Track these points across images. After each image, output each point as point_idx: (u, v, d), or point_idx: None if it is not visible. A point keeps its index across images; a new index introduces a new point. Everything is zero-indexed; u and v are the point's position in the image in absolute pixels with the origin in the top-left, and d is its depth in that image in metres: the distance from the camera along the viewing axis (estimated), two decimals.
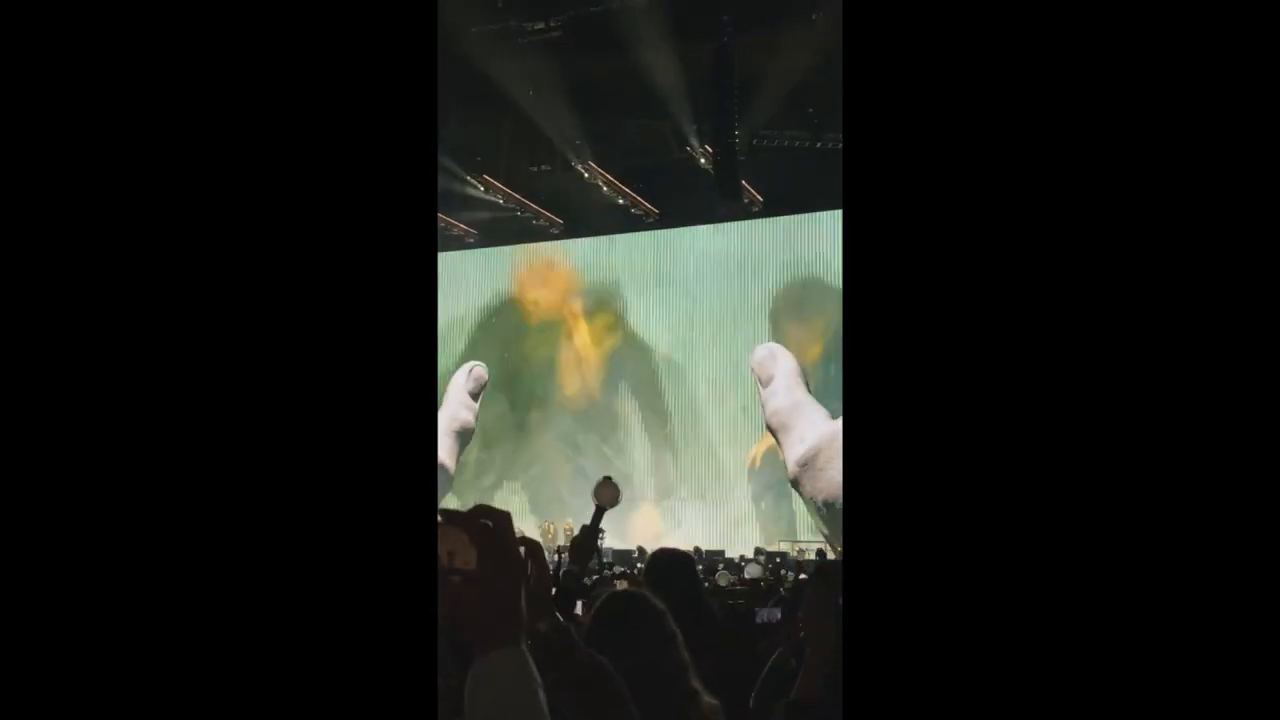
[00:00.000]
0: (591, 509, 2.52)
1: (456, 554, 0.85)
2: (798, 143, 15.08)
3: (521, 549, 1.36)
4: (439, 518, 0.88)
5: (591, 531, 2.54)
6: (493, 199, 17.76)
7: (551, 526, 16.19)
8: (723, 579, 6.56)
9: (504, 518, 0.89)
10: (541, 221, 18.64)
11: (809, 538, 15.30)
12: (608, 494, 2.55)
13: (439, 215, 18.08)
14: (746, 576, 7.14)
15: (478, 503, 0.93)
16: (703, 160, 15.66)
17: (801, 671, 2.14)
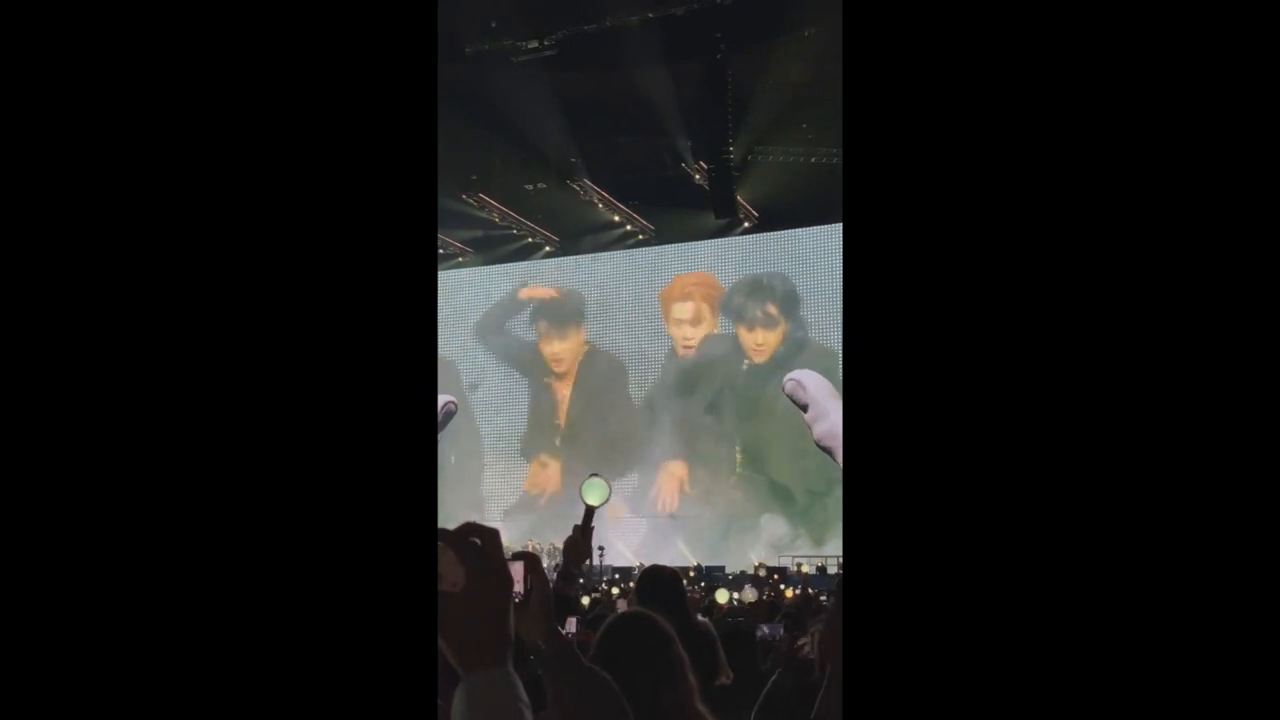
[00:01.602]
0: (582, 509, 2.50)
1: (444, 573, 0.83)
2: (791, 157, 15.14)
3: (521, 563, 1.35)
4: None
5: (583, 530, 2.51)
6: (488, 217, 17.80)
7: (538, 545, 16.19)
8: (721, 596, 6.52)
9: (492, 535, 0.88)
10: (536, 239, 18.69)
11: (810, 552, 15.28)
12: (594, 490, 2.54)
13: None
14: (746, 601, 7.08)
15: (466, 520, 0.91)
16: (697, 176, 15.71)
17: (822, 691, 2.11)
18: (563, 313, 19.21)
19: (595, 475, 2.59)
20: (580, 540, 2.48)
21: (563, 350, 19.24)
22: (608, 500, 2.54)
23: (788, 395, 1.47)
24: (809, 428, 1.44)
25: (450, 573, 0.84)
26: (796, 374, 1.47)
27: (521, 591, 1.25)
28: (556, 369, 19.28)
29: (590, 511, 2.47)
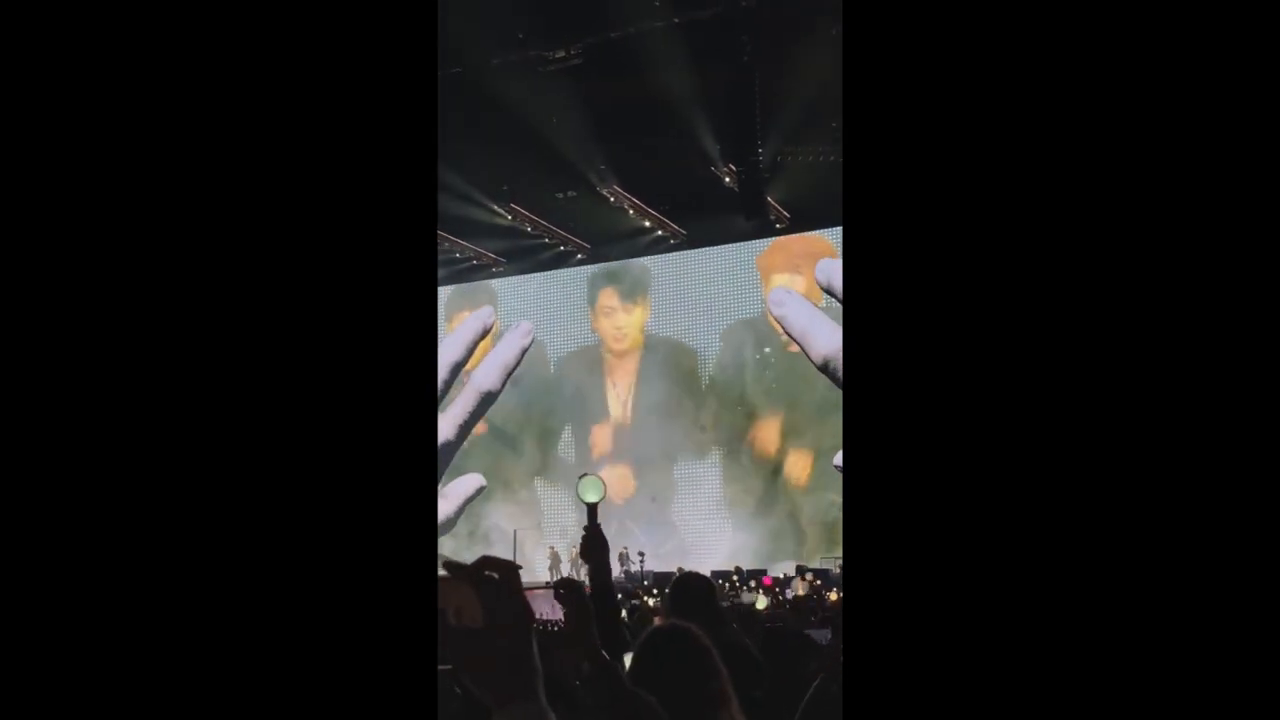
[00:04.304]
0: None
1: (463, 610, 0.81)
2: (821, 157, 15.06)
3: (561, 590, 1.35)
4: (442, 570, 0.84)
5: (592, 528, 2.55)
6: (520, 227, 17.89)
7: (556, 550, 16.22)
8: (760, 600, 6.48)
9: (509, 568, 0.85)
10: (569, 247, 18.74)
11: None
12: (591, 488, 2.58)
13: (468, 245, 18.25)
14: (799, 594, 7.04)
15: (483, 554, 0.90)
16: (727, 179, 15.68)
17: None
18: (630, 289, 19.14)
19: (587, 474, 2.64)
20: (593, 539, 2.50)
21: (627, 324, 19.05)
22: (604, 496, 2.59)
23: (777, 320, 1.45)
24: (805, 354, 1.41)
25: (469, 609, 0.82)
26: (778, 307, 1.41)
27: (563, 619, 1.26)
28: (616, 346, 19.14)
29: (593, 509, 2.51)
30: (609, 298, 19.20)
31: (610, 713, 1.35)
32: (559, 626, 1.29)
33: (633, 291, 19.03)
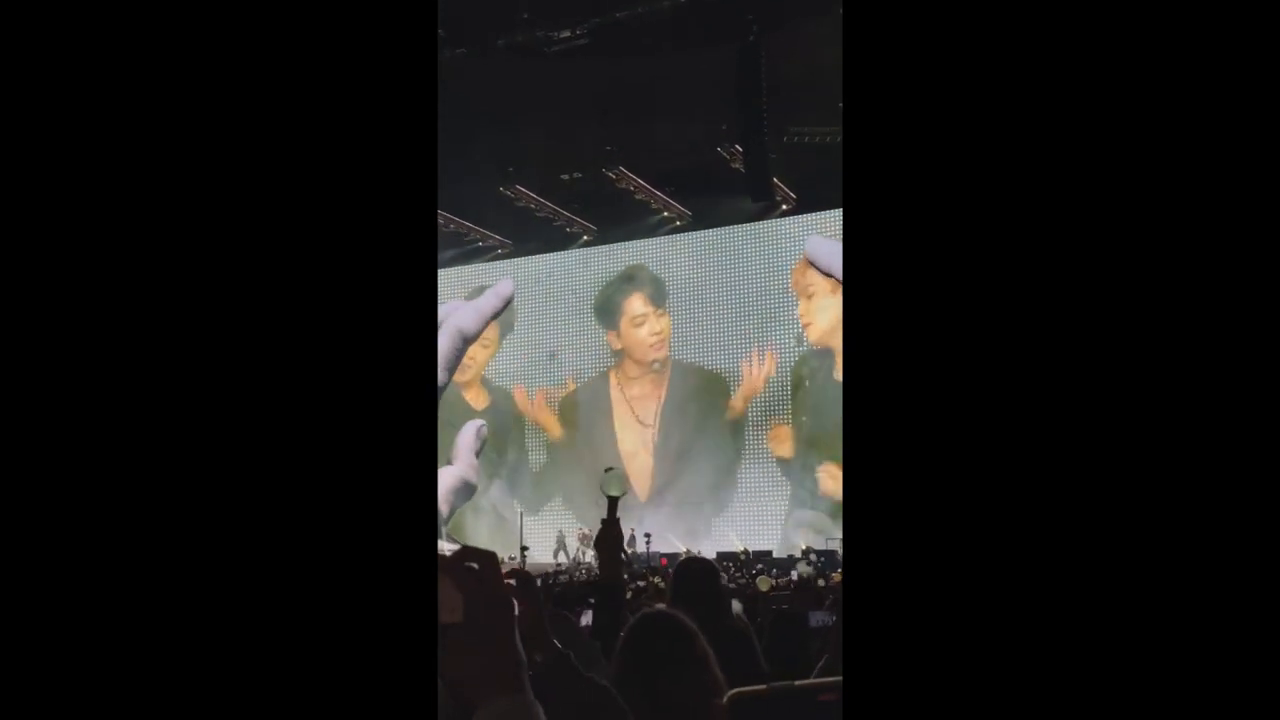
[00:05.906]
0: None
1: (443, 603, 0.80)
2: (828, 138, 15.01)
3: (511, 582, 1.35)
4: None
5: (610, 523, 2.56)
6: (525, 208, 17.86)
7: (561, 533, 16.28)
8: (763, 583, 6.48)
9: (490, 559, 0.84)
10: (574, 229, 18.72)
11: None
12: (615, 483, 2.59)
13: (472, 227, 18.25)
14: (794, 576, 7.07)
15: (464, 544, 0.88)
16: (733, 160, 15.64)
17: None
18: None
19: (612, 468, 2.67)
20: (610, 533, 2.51)
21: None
22: (627, 490, 2.62)
23: (810, 262, 1.48)
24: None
25: (449, 602, 0.80)
26: (809, 253, 1.43)
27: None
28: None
29: (614, 503, 2.53)
30: (637, 304, 18.58)
31: (564, 701, 1.35)
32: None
33: (658, 295, 18.48)
